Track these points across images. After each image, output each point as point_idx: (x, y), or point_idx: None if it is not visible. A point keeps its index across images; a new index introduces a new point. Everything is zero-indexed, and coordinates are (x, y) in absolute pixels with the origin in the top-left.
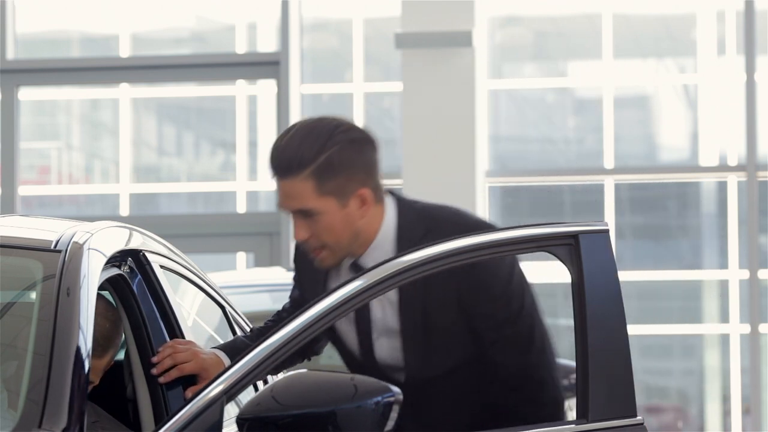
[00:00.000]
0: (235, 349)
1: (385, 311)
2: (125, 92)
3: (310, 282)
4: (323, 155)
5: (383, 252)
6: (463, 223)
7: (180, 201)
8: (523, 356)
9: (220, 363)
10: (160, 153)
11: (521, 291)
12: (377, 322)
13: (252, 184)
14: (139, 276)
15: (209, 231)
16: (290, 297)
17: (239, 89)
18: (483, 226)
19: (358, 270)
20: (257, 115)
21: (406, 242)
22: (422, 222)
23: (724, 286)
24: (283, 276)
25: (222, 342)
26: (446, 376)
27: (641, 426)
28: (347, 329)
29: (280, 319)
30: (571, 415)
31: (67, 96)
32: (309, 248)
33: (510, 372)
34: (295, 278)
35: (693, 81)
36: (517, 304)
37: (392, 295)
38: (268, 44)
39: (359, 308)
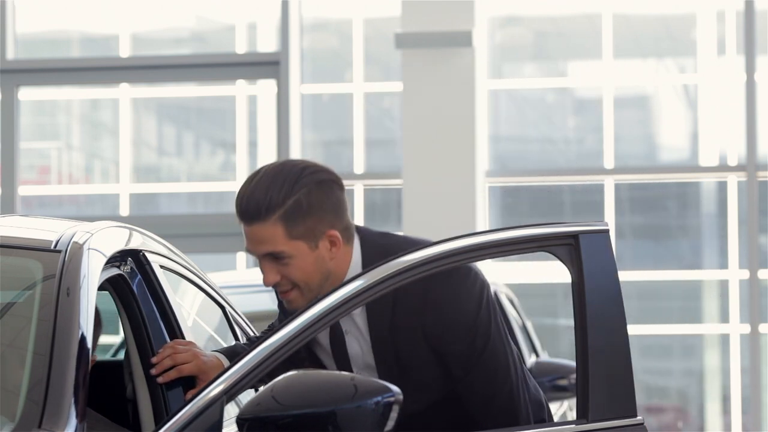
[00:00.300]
0: (235, 354)
1: (361, 347)
2: (125, 92)
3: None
4: (291, 199)
5: None
6: None
7: (180, 201)
8: (493, 387)
9: (220, 366)
10: (160, 153)
11: (487, 325)
12: (356, 358)
13: None
14: (139, 276)
15: (209, 231)
16: (278, 319)
17: (239, 89)
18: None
19: None
20: (257, 115)
21: None
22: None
23: (724, 286)
24: None
25: (222, 342)
26: (427, 411)
27: (641, 426)
28: (329, 363)
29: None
30: (572, 415)
31: (67, 96)
32: (279, 290)
33: (483, 403)
34: (279, 305)
35: (693, 81)
36: (482, 341)
37: (365, 331)
38: (268, 44)
39: (337, 345)
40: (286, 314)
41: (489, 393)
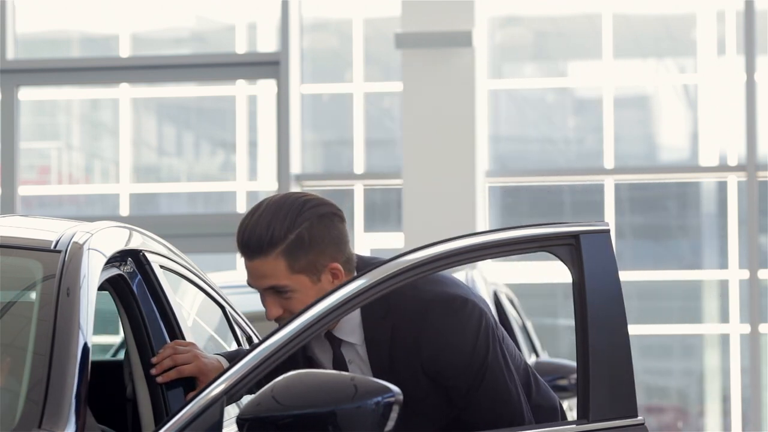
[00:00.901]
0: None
1: (363, 373)
2: (125, 92)
3: None
4: (293, 233)
5: (354, 323)
6: (420, 298)
7: (180, 201)
8: (494, 412)
9: (220, 368)
10: (160, 153)
11: (484, 356)
12: None
13: (252, 184)
14: (139, 276)
15: (209, 231)
16: None
17: (239, 89)
18: (443, 296)
19: (332, 339)
20: (257, 115)
21: (369, 320)
22: (384, 298)
23: (724, 286)
24: None
25: (222, 341)
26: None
27: (642, 426)
28: None
29: None
30: (572, 415)
31: (67, 96)
32: (281, 323)
33: (487, 426)
34: None
35: (693, 81)
36: (479, 373)
37: (366, 362)
38: (268, 44)
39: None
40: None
41: (491, 418)
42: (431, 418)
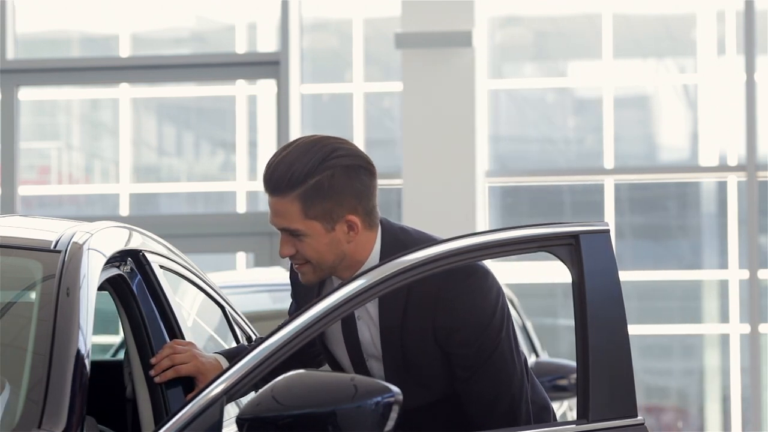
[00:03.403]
0: (235, 355)
1: (371, 335)
2: (125, 92)
3: (305, 297)
4: (313, 179)
5: None
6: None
7: (180, 201)
8: (495, 391)
9: (219, 367)
10: (160, 153)
11: (498, 330)
12: (366, 344)
13: (252, 184)
14: (139, 276)
15: (209, 231)
16: (289, 313)
17: (239, 89)
18: (468, 262)
19: None
20: (257, 115)
21: None
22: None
23: (724, 286)
24: (283, 276)
25: (222, 341)
26: (428, 408)
27: (642, 426)
28: (341, 353)
29: None
30: (572, 415)
31: (67, 96)
32: (293, 262)
33: (483, 406)
34: (293, 294)
35: (693, 81)
36: (491, 346)
37: (376, 319)
38: (268, 44)
39: (348, 330)
40: (297, 303)
41: (490, 397)
42: (429, 389)
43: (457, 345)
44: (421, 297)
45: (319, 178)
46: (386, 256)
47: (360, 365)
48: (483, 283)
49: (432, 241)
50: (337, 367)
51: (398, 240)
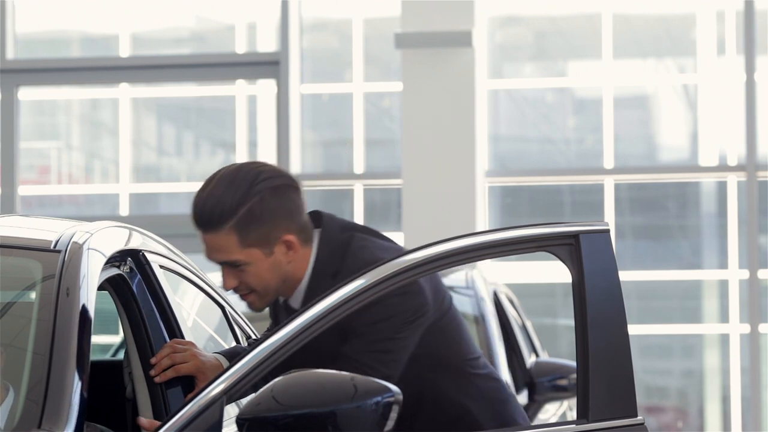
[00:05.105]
0: (235, 355)
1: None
2: (125, 92)
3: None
4: (244, 208)
5: (301, 289)
6: (374, 259)
7: (180, 201)
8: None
9: (219, 366)
10: (160, 153)
11: (396, 334)
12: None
13: None
14: (139, 276)
15: None
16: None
17: (239, 89)
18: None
19: (290, 311)
20: (257, 115)
21: (314, 281)
22: (333, 261)
23: (724, 286)
24: None
25: (221, 341)
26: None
27: (642, 426)
28: None
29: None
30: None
31: (67, 96)
32: (238, 294)
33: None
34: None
35: (693, 81)
36: (380, 345)
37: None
38: (268, 44)
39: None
40: (275, 313)
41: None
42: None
43: (352, 334)
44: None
45: (249, 206)
46: (322, 261)
47: None
48: (406, 289)
49: (372, 233)
50: None
51: (337, 241)
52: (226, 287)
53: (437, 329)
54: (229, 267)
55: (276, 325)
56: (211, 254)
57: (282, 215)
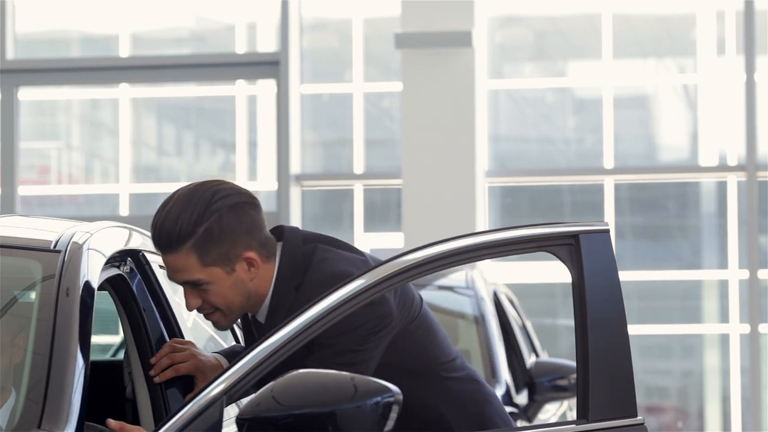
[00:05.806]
0: (235, 354)
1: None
2: (125, 92)
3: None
4: (202, 227)
5: (265, 304)
6: (339, 273)
7: None
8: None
9: (219, 366)
10: (160, 153)
11: (359, 346)
12: None
13: (252, 184)
14: (139, 276)
15: None
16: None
17: (239, 89)
18: (354, 269)
19: (258, 325)
20: (257, 115)
21: (277, 293)
22: (296, 275)
23: (724, 286)
24: None
25: (221, 341)
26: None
27: (642, 426)
28: None
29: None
30: (571, 415)
31: (67, 96)
32: (202, 313)
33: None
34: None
35: (693, 81)
36: (342, 356)
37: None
38: (268, 44)
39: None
40: (246, 328)
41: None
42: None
43: (317, 345)
44: (302, 303)
45: (208, 224)
46: (281, 286)
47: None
48: (374, 306)
49: (333, 243)
50: None
51: (296, 265)
52: (189, 307)
53: (406, 335)
54: (191, 287)
55: (247, 340)
56: (173, 275)
57: (241, 233)
